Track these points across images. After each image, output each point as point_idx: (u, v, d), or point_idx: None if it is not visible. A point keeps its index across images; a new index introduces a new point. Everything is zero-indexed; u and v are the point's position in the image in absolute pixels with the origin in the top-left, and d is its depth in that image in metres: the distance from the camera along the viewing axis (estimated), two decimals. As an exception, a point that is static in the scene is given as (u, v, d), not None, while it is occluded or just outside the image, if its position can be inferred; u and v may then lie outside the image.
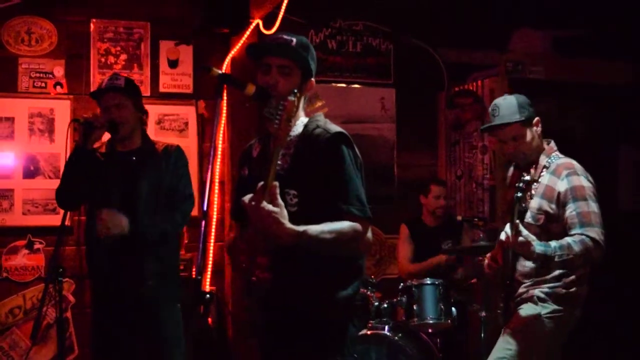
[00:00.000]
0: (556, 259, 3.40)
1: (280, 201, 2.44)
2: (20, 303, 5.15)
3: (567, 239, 3.45)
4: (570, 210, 3.51)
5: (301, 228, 2.47)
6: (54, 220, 5.10)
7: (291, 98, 2.46)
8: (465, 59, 6.01)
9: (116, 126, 3.82)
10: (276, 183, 2.42)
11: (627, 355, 5.36)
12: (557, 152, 3.74)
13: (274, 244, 2.49)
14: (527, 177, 3.54)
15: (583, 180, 3.56)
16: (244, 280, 2.69)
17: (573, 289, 3.62)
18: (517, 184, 3.53)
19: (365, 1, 5.92)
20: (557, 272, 3.61)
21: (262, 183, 2.43)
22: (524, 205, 3.56)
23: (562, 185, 3.56)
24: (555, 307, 3.61)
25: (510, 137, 3.70)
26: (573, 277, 3.61)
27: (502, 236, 3.52)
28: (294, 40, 2.73)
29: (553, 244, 3.43)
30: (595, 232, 3.44)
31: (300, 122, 2.76)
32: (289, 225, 2.44)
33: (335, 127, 2.71)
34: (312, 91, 2.83)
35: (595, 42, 5.81)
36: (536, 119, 3.71)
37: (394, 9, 5.90)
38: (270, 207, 2.41)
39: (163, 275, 3.79)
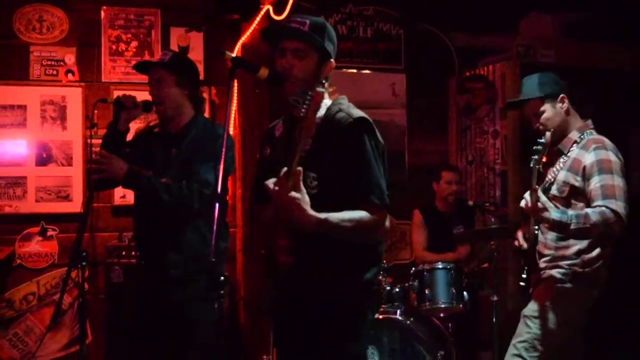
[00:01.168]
0: (572, 227, 3.44)
1: (303, 188, 2.45)
2: (34, 289, 5.18)
3: (587, 209, 3.48)
4: (595, 183, 3.53)
5: (323, 215, 2.49)
6: (67, 207, 5.15)
7: (319, 89, 2.45)
8: (476, 44, 5.99)
9: (150, 105, 3.74)
10: (300, 169, 2.42)
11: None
12: (592, 130, 3.75)
13: (295, 228, 2.50)
14: (542, 140, 3.56)
15: (611, 155, 3.57)
16: (264, 262, 2.71)
17: (590, 268, 3.61)
18: (534, 147, 3.55)
19: (375, -15, 5.92)
20: (575, 249, 3.61)
21: (285, 169, 2.43)
22: (539, 168, 3.55)
23: (588, 158, 3.58)
24: (572, 286, 3.62)
25: (532, 113, 3.78)
26: (593, 254, 3.60)
27: (522, 203, 3.58)
28: (308, 22, 2.71)
29: (570, 212, 3.48)
30: (617, 205, 3.45)
31: (324, 104, 2.74)
32: (311, 212, 2.46)
33: (358, 112, 2.70)
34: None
35: (606, 26, 5.77)
36: (561, 96, 3.74)
37: (404, -7, 5.89)
38: (293, 193, 2.42)
39: (189, 268, 3.61)
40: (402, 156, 5.94)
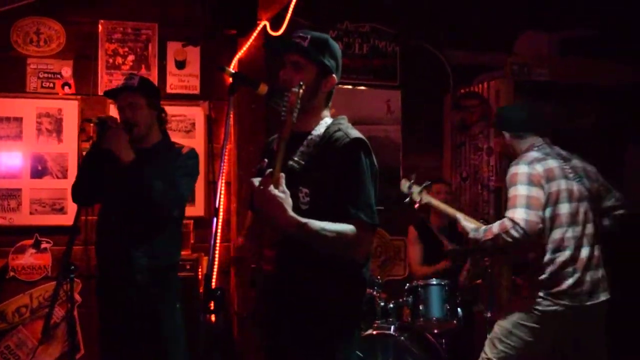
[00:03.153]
0: (481, 240, 3.76)
1: (286, 190, 2.47)
2: (27, 302, 5.17)
3: (494, 223, 3.75)
4: (508, 197, 3.81)
5: (303, 220, 2.50)
6: (61, 220, 5.14)
7: (295, 89, 2.49)
8: (471, 61, 6.04)
9: (130, 126, 3.82)
10: (282, 174, 2.46)
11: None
12: (535, 148, 3.93)
13: (281, 237, 2.51)
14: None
15: (520, 168, 3.81)
16: (250, 271, 2.72)
17: (534, 277, 3.78)
18: None
19: (371, 3, 5.95)
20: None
21: (270, 170, 2.47)
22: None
23: (507, 175, 3.89)
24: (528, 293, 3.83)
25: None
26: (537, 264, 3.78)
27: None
28: (309, 37, 2.75)
29: (483, 227, 3.82)
30: (515, 212, 3.66)
31: (324, 122, 2.78)
32: (291, 213, 2.47)
33: (355, 133, 2.72)
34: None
35: (600, 43, 5.82)
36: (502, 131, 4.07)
37: (400, 11, 5.93)
38: (275, 191, 2.44)
39: (156, 272, 3.75)
40: (396, 172, 5.96)
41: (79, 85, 5.32)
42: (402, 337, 4.50)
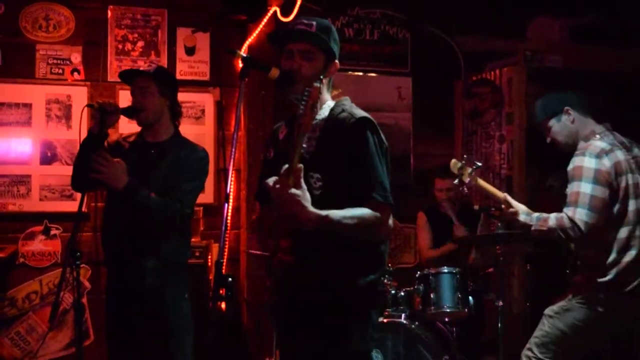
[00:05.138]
0: (532, 228, 3.68)
1: (303, 185, 2.44)
2: (36, 288, 5.17)
3: (552, 214, 3.62)
4: (568, 190, 3.66)
5: (324, 212, 2.48)
6: (71, 206, 5.13)
7: (317, 84, 2.45)
8: (483, 48, 5.98)
9: (133, 112, 3.80)
10: (301, 166, 2.43)
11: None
12: (599, 135, 3.77)
13: (297, 227, 2.49)
14: None
15: (586, 161, 3.63)
16: (266, 261, 2.71)
17: (597, 278, 3.60)
18: None
19: (382, -11, 5.90)
20: (594, 255, 3.64)
21: (286, 166, 2.43)
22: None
23: (569, 166, 3.70)
24: (589, 294, 3.65)
25: (546, 132, 3.97)
26: (608, 261, 3.61)
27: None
28: (314, 24, 2.72)
29: (536, 215, 3.70)
30: (575, 212, 3.53)
31: (327, 105, 2.76)
32: (311, 209, 2.44)
33: (360, 112, 2.70)
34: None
35: (612, 30, 5.76)
36: (564, 109, 3.85)
37: (411, -4, 5.88)
38: (293, 190, 2.41)
39: (166, 271, 3.73)
40: (407, 159, 5.92)
41: (88, 72, 5.30)
42: (413, 326, 4.48)
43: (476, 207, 5.38)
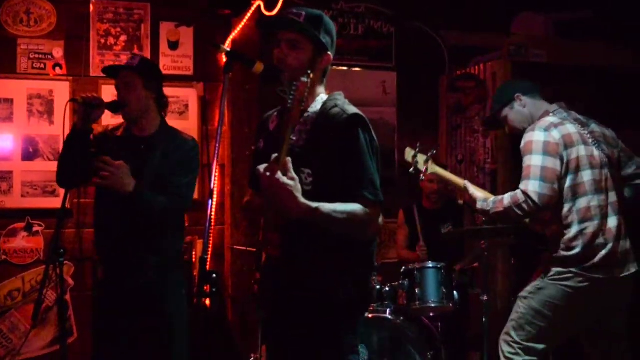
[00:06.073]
0: (490, 212, 3.70)
1: (294, 175, 2.43)
2: (19, 285, 5.12)
3: (506, 194, 3.64)
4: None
5: (314, 204, 2.47)
6: (53, 202, 5.08)
7: (304, 79, 2.43)
8: (468, 42, 5.98)
9: (117, 106, 3.77)
10: (289, 159, 2.41)
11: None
12: (550, 114, 3.81)
13: (285, 220, 2.47)
14: None
15: (536, 135, 3.66)
16: (255, 254, 2.70)
17: (572, 252, 3.62)
18: None
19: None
20: (560, 231, 3.65)
21: (275, 155, 2.42)
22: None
23: (522, 143, 3.74)
24: (558, 270, 3.65)
25: (504, 123, 4.05)
26: (569, 236, 3.63)
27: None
28: (304, 14, 2.70)
29: (492, 199, 3.72)
30: (528, 185, 3.55)
31: (320, 99, 2.73)
32: (302, 199, 2.43)
33: (352, 109, 2.68)
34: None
35: (598, 25, 5.78)
36: (515, 96, 3.92)
37: (396, -9, 5.87)
38: (284, 179, 2.39)
39: (164, 267, 3.72)
40: (392, 154, 5.92)
41: (71, 66, 5.24)
42: (398, 321, 4.48)
43: (461, 201, 5.38)
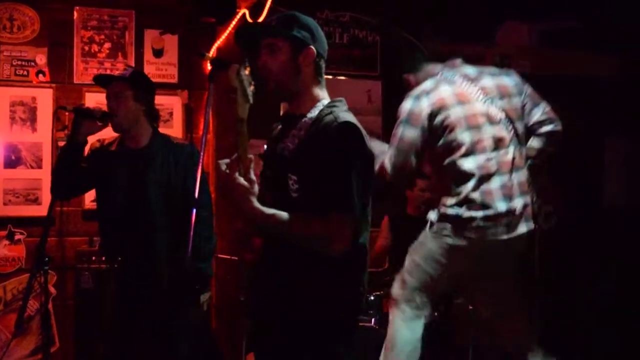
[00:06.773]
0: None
1: (253, 177, 2.39)
2: (0, 295, 5.07)
3: None
4: None
5: (270, 211, 2.40)
6: (35, 210, 5.04)
7: (235, 66, 2.41)
8: (452, 52, 5.98)
9: (107, 117, 3.74)
10: (251, 157, 2.37)
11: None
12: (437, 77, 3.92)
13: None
14: None
15: (405, 103, 3.75)
16: (239, 261, 2.68)
17: (443, 210, 3.70)
18: None
19: (352, -8, 5.89)
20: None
21: (235, 155, 2.37)
22: None
23: None
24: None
25: None
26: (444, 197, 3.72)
27: None
28: (276, 18, 2.68)
29: None
30: (387, 154, 3.68)
31: (320, 104, 2.64)
32: (256, 204, 2.38)
33: (345, 117, 2.54)
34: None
35: (581, 35, 5.81)
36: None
37: (381, 0, 5.87)
38: (241, 180, 2.35)
39: (179, 280, 3.68)
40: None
41: (54, 73, 5.21)
42: (383, 330, 4.46)
43: None
